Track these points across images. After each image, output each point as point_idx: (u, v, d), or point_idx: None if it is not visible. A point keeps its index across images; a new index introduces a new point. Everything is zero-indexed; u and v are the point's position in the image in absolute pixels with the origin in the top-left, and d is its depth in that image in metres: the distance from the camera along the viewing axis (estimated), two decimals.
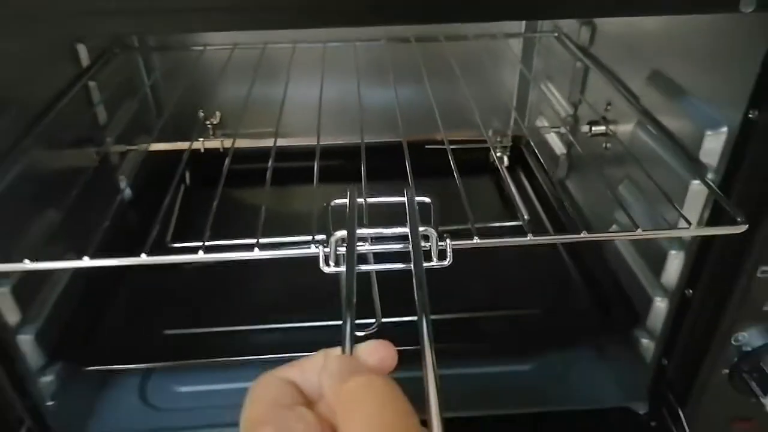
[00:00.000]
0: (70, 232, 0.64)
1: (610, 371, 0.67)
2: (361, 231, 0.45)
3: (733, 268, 0.48)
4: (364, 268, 0.47)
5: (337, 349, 0.31)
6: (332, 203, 0.50)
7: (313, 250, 0.46)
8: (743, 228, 0.43)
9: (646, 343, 0.61)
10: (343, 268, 0.43)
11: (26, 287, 0.55)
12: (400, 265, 0.46)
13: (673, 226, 0.52)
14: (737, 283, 0.48)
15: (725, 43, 0.47)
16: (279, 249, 0.51)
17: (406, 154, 0.59)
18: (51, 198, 0.60)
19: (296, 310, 0.68)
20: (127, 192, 0.81)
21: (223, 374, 0.68)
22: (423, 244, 0.43)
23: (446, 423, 0.27)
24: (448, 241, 0.46)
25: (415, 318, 0.37)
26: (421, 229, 0.44)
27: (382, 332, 0.64)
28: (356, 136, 0.65)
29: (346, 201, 0.46)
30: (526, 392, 0.67)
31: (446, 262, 0.46)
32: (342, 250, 0.44)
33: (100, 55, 0.76)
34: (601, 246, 0.71)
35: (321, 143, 0.62)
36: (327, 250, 0.45)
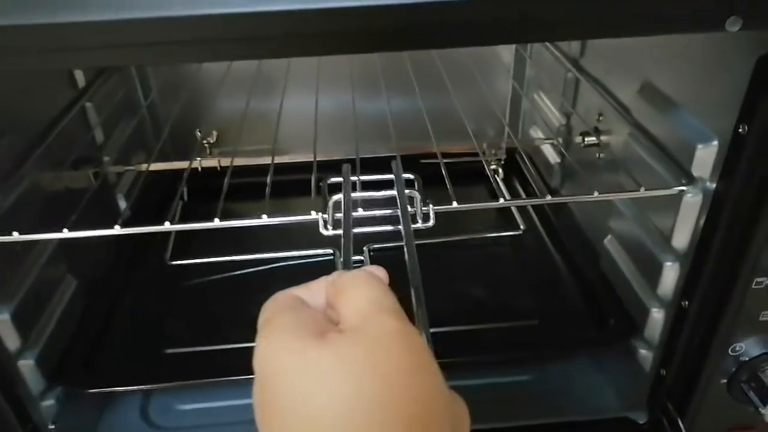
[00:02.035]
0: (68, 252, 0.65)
1: (608, 381, 0.67)
2: (355, 195, 0.50)
3: (728, 279, 0.48)
4: (358, 230, 0.50)
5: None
6: (328, 181, 0.57)
7: (313, 216, 0.51)
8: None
9: (644, 353, 0.61)
10: (340, 231, 0.47)
11: (26, 312, 0.55)
12: (390, 228, 0.52)
13: (667, 236, 0.53)
14: (733, 294, 0.49)
15: (714, 57, 0.48)
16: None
17: (399, 167, 0.59)
18: (51, 220, 0.61)
19: None
20: (126, 211, 0.81)
21: (226, 391, 0.68)
22: (409, 208, 0.48)
23: None
24: (431, 205, 0.51)
25: None
26: (407, 191, 0.49)
27: None
28: (351, 150, 0.65)
29: (341, 178, 0.51)
30: (523, 404, 0.67)
31: (430, 223, 0.51)
32: (339, 215, 0.49)
33: (97, 75, 0.76)
34: (597, 256, 0.72)
35: (318, 159, 0.63)
36: (325, 215, 0.51)
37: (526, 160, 0.93)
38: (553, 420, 0.64)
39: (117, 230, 0.48)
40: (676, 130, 0.53)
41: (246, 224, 0.51)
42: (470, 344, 0.68)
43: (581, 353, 0.70)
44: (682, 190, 0.50)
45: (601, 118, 0.69)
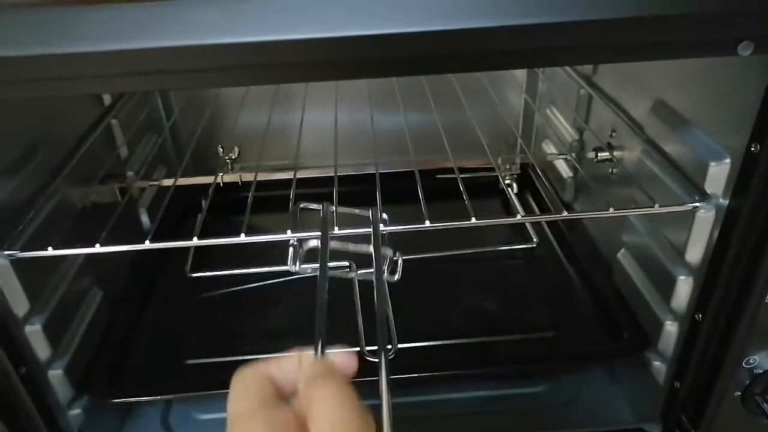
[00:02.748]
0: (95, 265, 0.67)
1: (622, 393, 0.68)
2: (333, 243, 0.48)
3: (741, 293, 0.49)
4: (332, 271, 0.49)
5: (311, 352, 0.35)
6: (301, 205, 0.56)
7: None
8: None
9: (658, 366, 0.62)
10: (306, 266, 0.49)
11: (55, 323, 0.57)
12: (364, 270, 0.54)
13: (680, 250, 0.55)
14: (746, 307, 0.50)
15: (727, 77, 0.49)
16: None
17: (418, 180, 0.61)
18: (81, 235, 0.63)
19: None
20: (147, 224, 0.83)
21: None
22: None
23: None
24: (400, 259, 0.52)
25: (430, 343, 0.51)
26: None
27: (398, 358, 0.66)
28: (369, 164, 0.67)
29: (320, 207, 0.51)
30: (536, 415, 0.68)
31: (396, 278, 0.53)
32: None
33: (122, 93, 0.78)
34: (610, 270, 0.73)
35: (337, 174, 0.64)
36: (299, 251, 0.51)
37: (539, 173, 0.94)
38: None
39: (147, 245, 0.50)
40: (688, 148, 0.54)
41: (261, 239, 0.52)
42: (483, 356, 0.69)
43: (595, 365, 0.71)
44: (696, 207, 0.51)
45: (614, 133, 0.71)
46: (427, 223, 0.51)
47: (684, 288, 0.56)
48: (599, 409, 0.67)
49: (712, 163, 0.49)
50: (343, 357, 0.35)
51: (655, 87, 0.62)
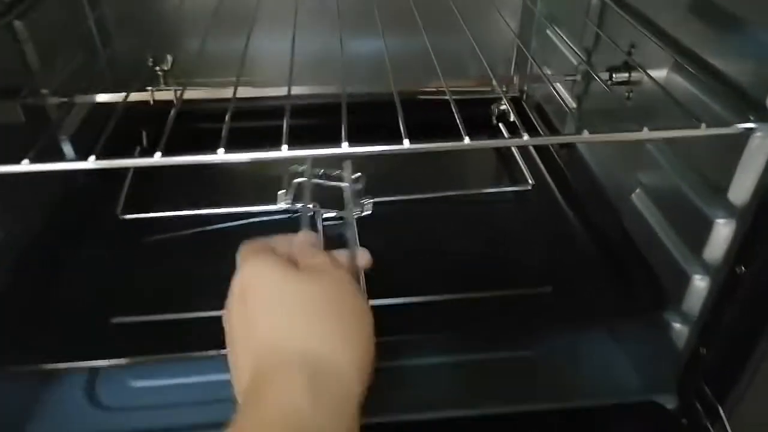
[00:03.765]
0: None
1: (629, 359, 0.58)
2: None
3: None
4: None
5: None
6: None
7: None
8: None
9: (679, 328, 0.52)
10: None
11: None
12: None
13: (721, 187, 0.43)
14: None
15: None
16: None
17: (397, 101, 0.47)
18: None
19: None
20: (71, 155, 0.70)
21: (186, 366, 0.58)
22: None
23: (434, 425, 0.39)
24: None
25: (408, 300, 0.54)
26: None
27: None
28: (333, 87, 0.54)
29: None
30: (528, 383, 0.58)
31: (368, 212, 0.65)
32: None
33: None
34: (619, 214, 0.62)
35: (294, 93, 0.50)
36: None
37: (535, 107, 0.82)
38: (564, 405, 0.55)
39: (90, 163, 0.36)
40: (742, 55, 0.42)
41: (198, 161, 0.39)
42: (469, 314, 0.58)
43: (599, 325, 0.60)
44: (751, 128, 0.39)
45: (632, 50, 0.58)
46: (406, 143, 0.38)
47: (722, 233, 0.46)
48: (603, 379, 0.57)
49: None
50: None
51: None
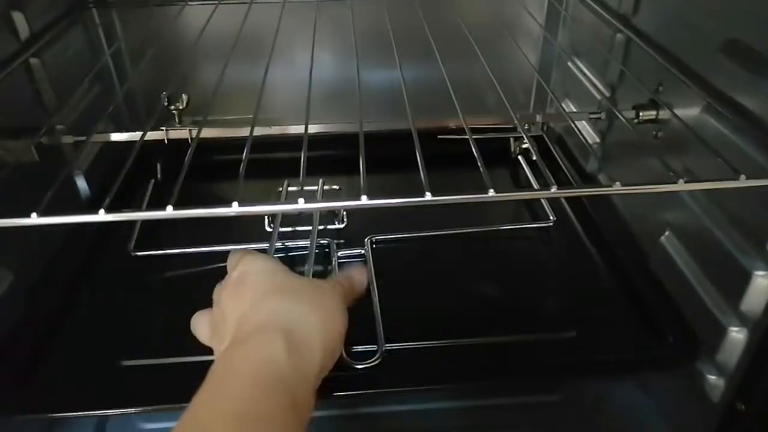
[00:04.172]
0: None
1: (657, 410, 0.56)
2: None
3: None
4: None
5: None
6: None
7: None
8: None
9: (714, 381, 0.49)
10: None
11: None
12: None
13: (758, 236, 0.41)
14: None
15: None
16: None
17: (416, 140, 0.45)
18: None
19: None
20: (85, 191, 0.69)
21: None
22: None
23: None
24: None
25: (425, 344, 0.53)
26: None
27: (384, 362, 0.52)
28: (351, 122, 0.53)
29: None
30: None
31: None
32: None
33: (50, 24, 0.63)
34: (647, 256, 0.60)
35: (310, 131, 0.49)
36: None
37: (556, 141, 0.80)
38: None
39: (101, 216, 0.35)
40: None
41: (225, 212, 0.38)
42: (490, 360, 0.55)
43: (628, 375, 0.57)
44: None
45: (660, 88, 0.57)
46: (428, 196, 0.37)
47: (762, 286, 0.43)
48: (629, 430, 0.55)
49: None
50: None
51: (725, 23, 0.47)
